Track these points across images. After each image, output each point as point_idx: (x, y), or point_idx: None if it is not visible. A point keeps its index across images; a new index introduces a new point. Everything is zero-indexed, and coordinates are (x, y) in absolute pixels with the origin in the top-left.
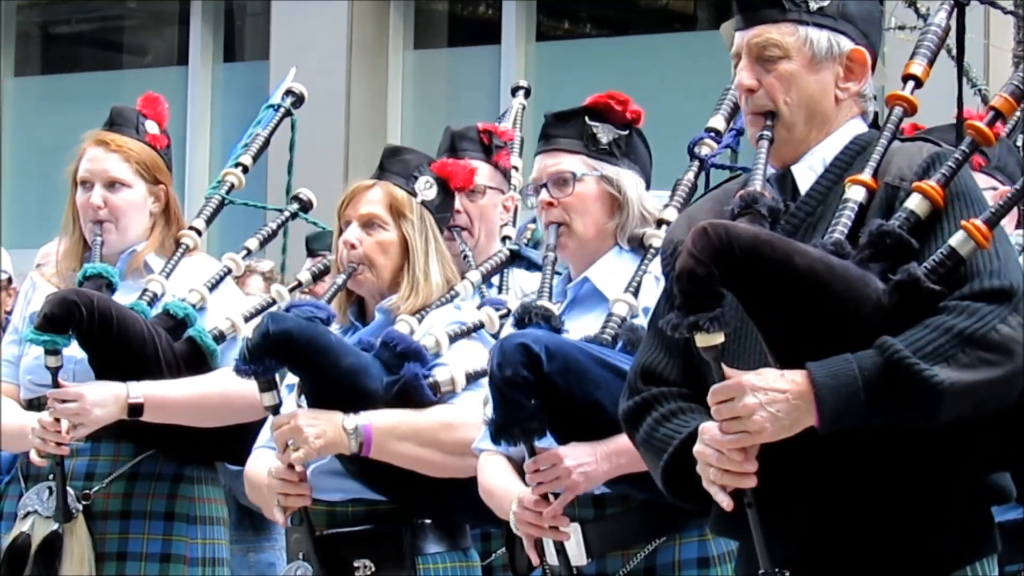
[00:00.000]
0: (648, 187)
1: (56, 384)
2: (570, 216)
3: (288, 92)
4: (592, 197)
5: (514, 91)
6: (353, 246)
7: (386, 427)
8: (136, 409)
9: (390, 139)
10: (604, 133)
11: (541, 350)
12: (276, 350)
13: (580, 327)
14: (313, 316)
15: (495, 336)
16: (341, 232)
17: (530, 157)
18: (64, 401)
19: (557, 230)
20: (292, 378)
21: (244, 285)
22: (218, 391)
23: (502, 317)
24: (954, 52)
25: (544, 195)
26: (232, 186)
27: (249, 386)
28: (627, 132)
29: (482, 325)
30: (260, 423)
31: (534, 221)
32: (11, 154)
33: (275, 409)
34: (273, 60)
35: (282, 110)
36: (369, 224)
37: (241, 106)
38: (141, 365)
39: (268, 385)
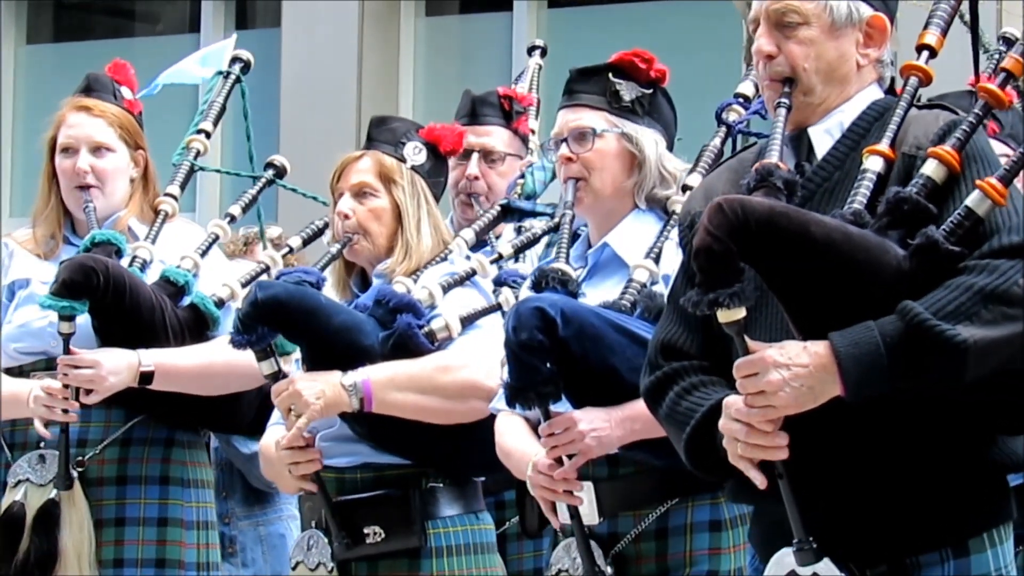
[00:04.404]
0: (671, 147)
1: (67, 351)
2: (588, 172)
3: (235, 59)
4: (611, 154)
5: (530, 51)
6: (347, 216)
7: (384, 379)
8: (147, 377)
9: (402, 107)
10: (627, 91)
11: (557, 314)
12: (267, 316)
13: (601, 293)
14: (302, 280)
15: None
16: (336, 205)
17: (545, 119)
18: (77, 367)
19: (575, 185)
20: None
21: (252, 253)
22: (223, 360)
23: (493, 262)
24: (967, 18)
25: (564, 150)
26: (198, 152)
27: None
28: (651, 91)
29: (475, 272)
30: (249, 391)
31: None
32: (23, 122)
33: (274, 377)
34: (285, 28)
35: (232, 76)
36: (360, 193)
37: (253, 74)
38: (149, 332)
39: (264, 354)
